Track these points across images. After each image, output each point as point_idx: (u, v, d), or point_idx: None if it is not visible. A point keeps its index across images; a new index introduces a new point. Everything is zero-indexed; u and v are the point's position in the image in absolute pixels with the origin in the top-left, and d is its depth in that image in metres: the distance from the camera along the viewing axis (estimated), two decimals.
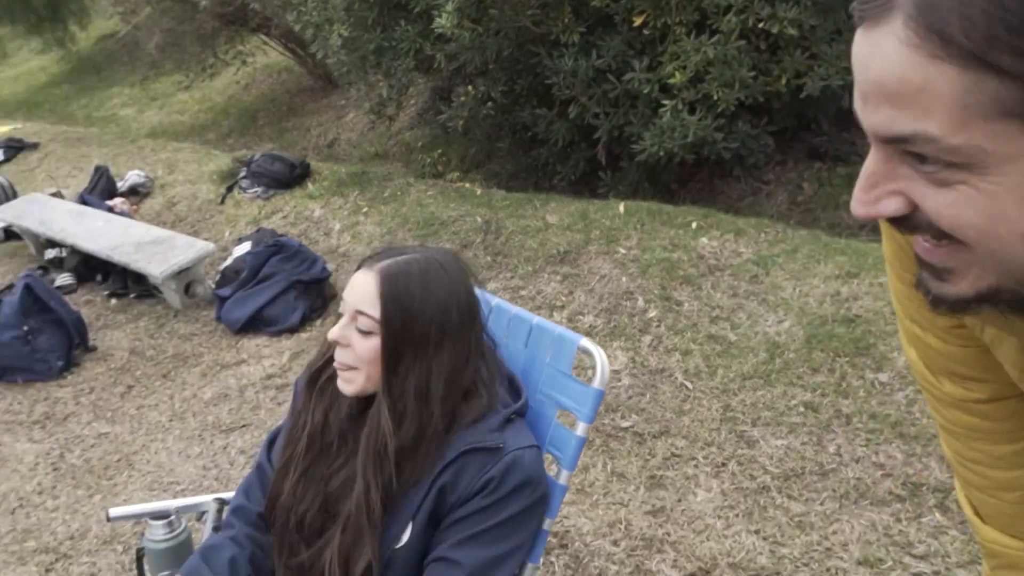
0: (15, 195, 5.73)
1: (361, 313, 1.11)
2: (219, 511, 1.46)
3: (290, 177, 5.00)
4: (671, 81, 3.75)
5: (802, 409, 2.53)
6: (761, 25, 3.61)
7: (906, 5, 0.46)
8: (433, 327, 1.11)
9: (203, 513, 1.46)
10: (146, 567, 1.71)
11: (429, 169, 5.06)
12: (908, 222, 0.53)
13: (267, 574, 1.25)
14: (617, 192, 4.73)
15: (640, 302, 3.18)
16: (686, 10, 3.76)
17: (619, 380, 2.80)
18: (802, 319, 2.91)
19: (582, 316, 3.19)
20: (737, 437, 2.47)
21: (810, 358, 2.72)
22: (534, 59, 4.12)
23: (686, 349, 2.89)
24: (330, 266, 3.92)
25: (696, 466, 2.38)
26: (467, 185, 4.74)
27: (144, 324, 3.75)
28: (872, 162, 0.52)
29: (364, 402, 1.18)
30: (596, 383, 1.24)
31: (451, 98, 4.61)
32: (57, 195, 5.36)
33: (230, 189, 5.20)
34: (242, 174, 5.21)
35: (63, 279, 4.26)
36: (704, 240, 3.48)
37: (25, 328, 3.14)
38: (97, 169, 5.59)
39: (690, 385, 2.72)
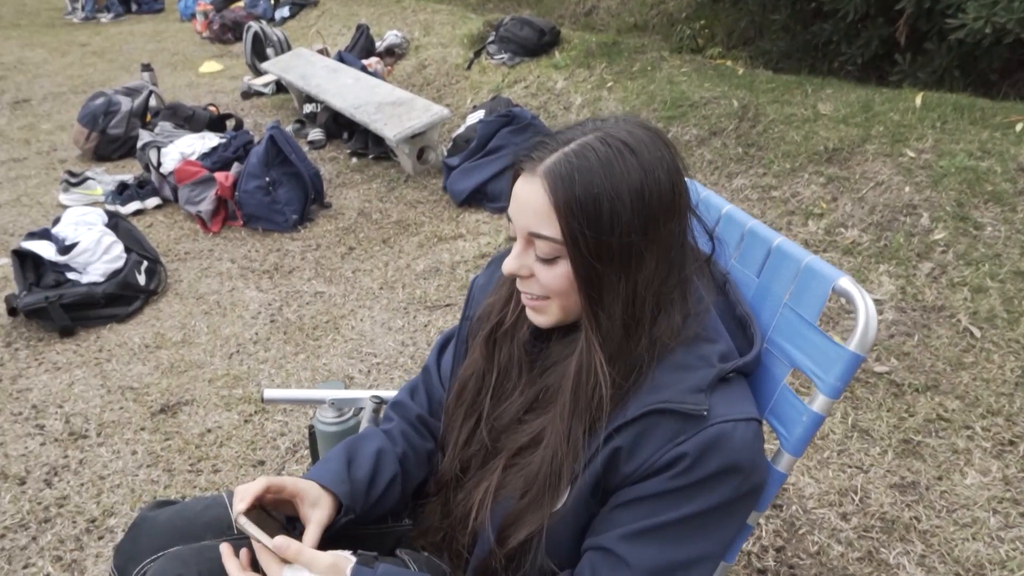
0: (289, 49, 6.04)
1: (536, 236, 0.81)
2: (376, 410, 1.31)
3: (537, 44, 4.71)
4: None
5: None
6: None
7: None
8: (634, 231, 0.79)
9: (360, 409, 1.32)
10: (319, 446, 1.64)
11: (688, 42, 4.50)
12: None
13: (416, 479, 1.07)
14: (915, 80, 3.87)
15: (924, 219, 2.55)
16: None
17: (881, 314, 2.28)
18: None
19: (844, 229, 2.64)
20: None
21: None
22: None
23: (979, 286, 2.27)
24: None
25: (971, 438, 1.86)
26: (728, 63, 4.15)
27: (376, 186, 3.77)
28: None
29: (547, 331, 0.92)
30: (854, 344, 0.85)
31: None
32: (323, 52, 5.55)
33: (477, 54, 5.04)
34: (490, 38, 5.01)
35: (315, 134, 4.42)
36: None
37: (267, 179, 3.25)
38: (359, 27, 5.69)
39: (978, 332, 2.14)
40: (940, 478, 1.78)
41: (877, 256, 2.50)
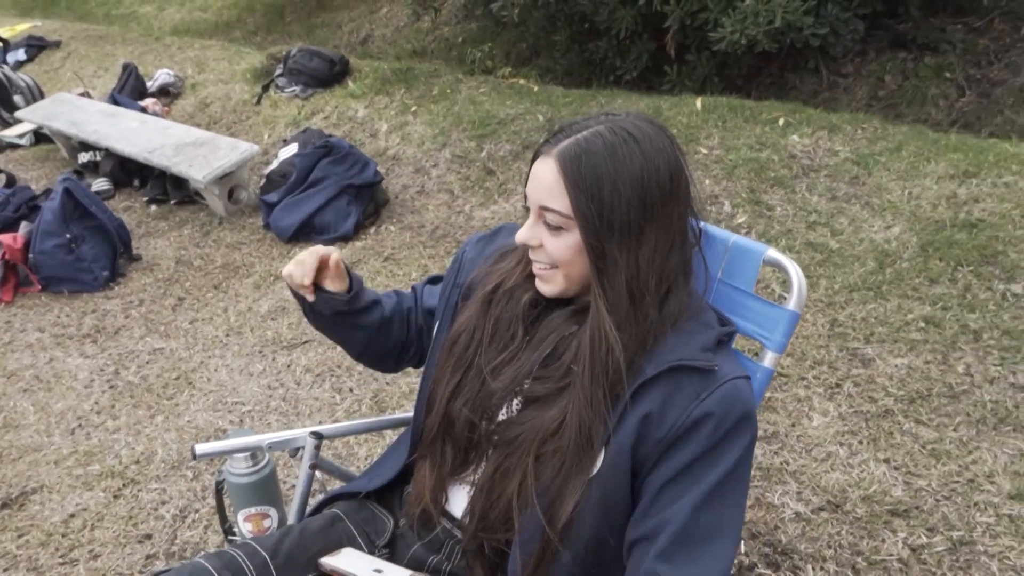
0: (41, 96, 5.47)
1: (547, 209, 0.92)
2: (316, 447, 1.27)
3: (329, 74, 4.67)
4: None
5: (922, 324, 2.28)
6: None
7: None
8: (633, 210, 0.90)
9: (298, 449, 1.27)
10: (227, 501, 1.55)
11: (478, 65, 4.71)
12: None
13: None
14: (683, 88, 4.36)
15: (727, 207, 2.90)
16: None
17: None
18: (914, 224, 2.63)
19: None
20: (850, 355, 2.24)
21: (927, 268, 2.46)
22: None
23: None
24: (380, 169, 3.65)
25: (807, 387, 2.16)
26: (522, 81, 4.39)
27: (189, 232, 3.54)
28: None
29: (546, 301, 1.01)
30: (792, 304, 1.00)
31: None
32: (85, 95, 5.09)
33: (266, 88, 4.90)
34: (278, 72, 4.89)
35: (99, 184, 4.05)
36: (795, 138, 3.16)
37: (68, 236, 2.94)
38: (125, 67, 5.29)
39: None
40: (793, 425, 2.04)
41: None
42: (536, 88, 4.18)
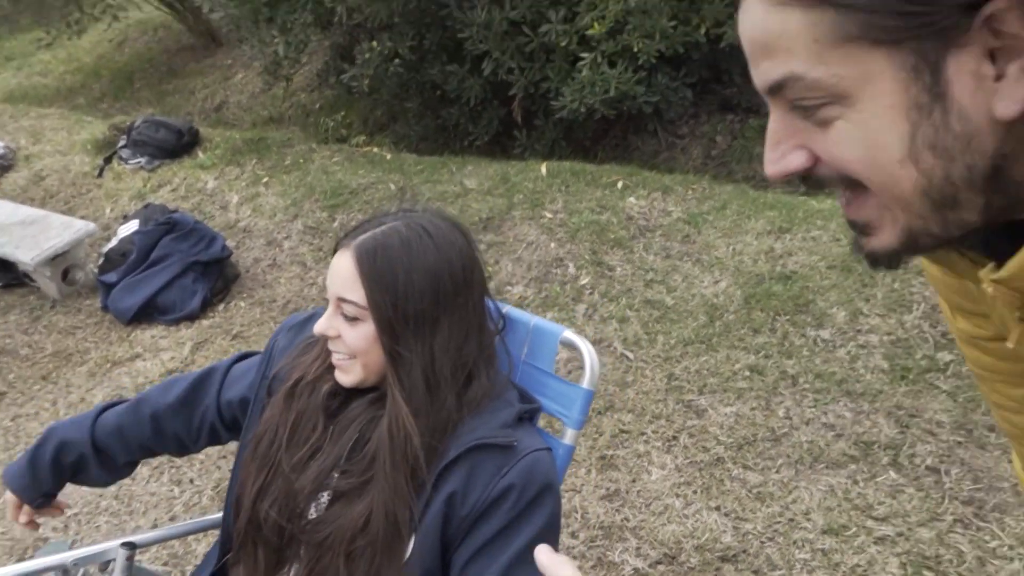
0: None
1: (344, 300, 0.98)
2: (129, 558, 1.22)
3: (177, 145, 4.55)
4: (590, 32, 3.58)
5: (747, 373, 2.45)
6: None
7: None
8: (427, 302, 0.96)
9: (109, 563, 1.21)
10: None
11: (332, 133, 4.73)
12: (818, 178, 0.56)
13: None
14: (533, 151, 4.55)
15: (571, 268, 3.03)
16: None
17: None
18: (738, 278, 2.84)
19: (511, 287, 3.02)
20: (685, 407, 2.37)
21: (750, 319, 2.65)
22: (443, 11, 3.86)
23: (623, 316, 2.77)
24: (229, 243, 3.58)
25: (647, 441, 2.27)
26: (375, 150, 4.45)
27: (16, 318, 3.32)
28: (772, 122, 0.56)
29: (346, 391, 1.04)
30: (586, 382, 1.07)
31: (354, 56, 4.28)
32: None
33: (108, 160, 4.70)
34: (121, 143, 4.71)
35: None
36: (632, 200, 3.35)
37: None
38: None
39: (631, 355, 2.61)
40: (634, 481, 2.13)
41: (542, 306, 2.90)
42: (389, 156, 4.24)
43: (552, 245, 3.15)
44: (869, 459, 2.12)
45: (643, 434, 2.30)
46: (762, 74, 0.54)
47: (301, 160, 4.28)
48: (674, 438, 2.27)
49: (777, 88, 0.53)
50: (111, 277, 3.21)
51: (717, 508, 2.02)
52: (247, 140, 4.59)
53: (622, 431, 2.32)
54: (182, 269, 3.17)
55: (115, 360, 2.90)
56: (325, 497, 1.00)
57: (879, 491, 2.02)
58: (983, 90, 0.50)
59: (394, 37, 4.06)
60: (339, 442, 1.00)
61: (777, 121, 0.56)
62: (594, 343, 2.68)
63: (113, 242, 3.39)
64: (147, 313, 3.15)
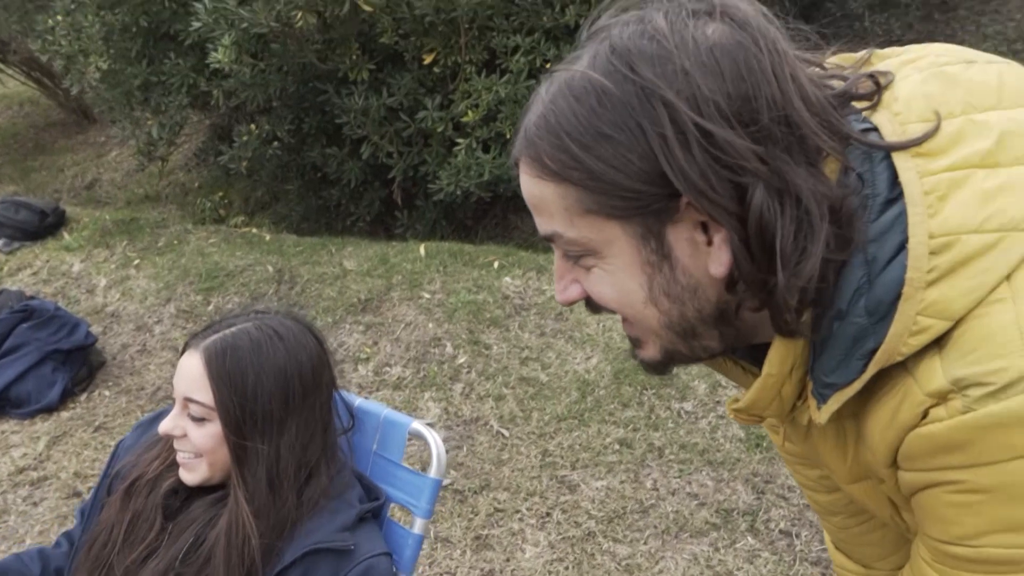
0: None
1: (191, 400, 0.99)
2: None
3: (40, 226, 4.36)
4: (464, 120, 3.74)
5: (617, 447, 2.55)
6: (548, 65, 3.70)
7: (523, 140, 0.63)
8: (276, 403, 0.99)
9: None
10: None
11: (210, 214, 4.66)
12: (593, 305, 0.68)
13: None
14: (415, 231, 4.63)
15: (449, 348, 3.08)
16: (475, 49, 3.77)
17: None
18: (608, 354, 2.96)
19: (389, 368, 3.04)
20: (559, 483, 2.44)
21: (619, 393, 2.77)
22: (322, 96, 3.93)
23: (499, 394, 2.83)
24: (95, 329, 3.43)
25: (521, 519, 2.31)
26: (254, 230, 4.41)
27: None
28: (555, 261, 0.68)
29: (187, 490, 1.04)
30: (433, 472, 1.11)
31: (232, 137, 4.27)
32: None
33: None
34: None
35: None
36: (507, 279, 3.46)
37: None
38: None
39: (506, 432, 2.66)
40: (508, 560, 2.16)
41: (420, 385, 2.93)
42: (268, 237, 4.22)
43: (430, 325, 3.20)
44: (729, 526, 2.23)
45: (518, 512, 2.33)
46: (538, 226, 0.65)
47: (176, 241, 4.19)
48: (547, 514, 2.32)
49: (548, 239, 0.65)
50: None
51: None
52: (117, 221, 4.45)
53: (497, 510, 2.35)
54: (40, 358, 3.01)
55: None
56: None
57: (738, 557, 2.13)
58: (699, 253, 0.61)
59: (272, 120, 4.10)
60: (176, 543, 1.00)
61: (558, 261, 0.68)
62: (471, 422, 2.73)
63: None
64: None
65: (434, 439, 1.13)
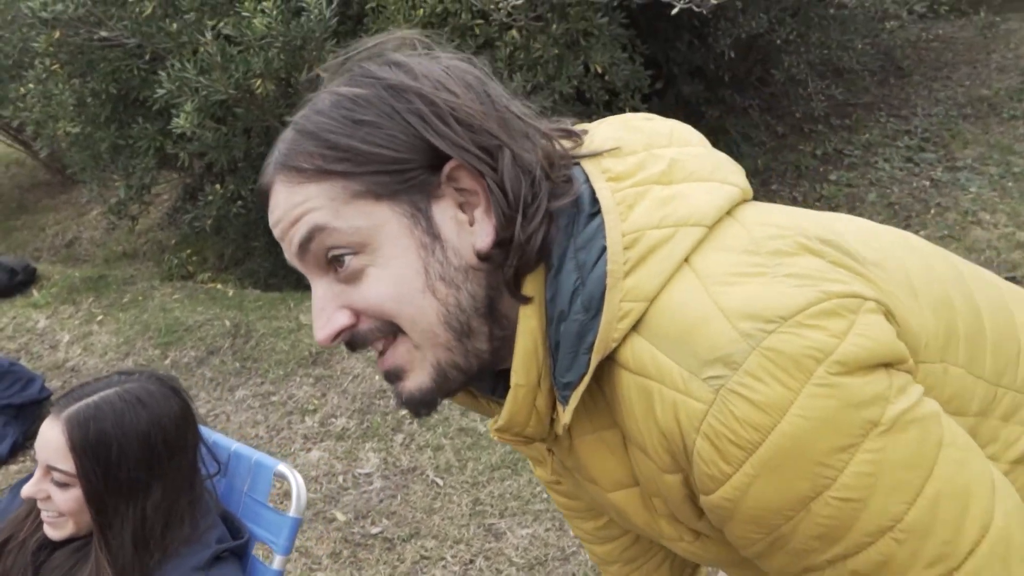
0: None
1: (53, 468, 1.03)
2: None
3: (9, 284, 4.48)
4: None
5: (546, 495, 2.62)
6: None
7: (275, 163, 0.67)
8: (140, 470, 1.04)
9: None
10: None
11: (177, 271, 4.78)
12: (361, 335, 0.68)
13: None
14: None
15: (392, 400, 3.17)
16: None
17: (371, 483, 2.75)
18: None
19: (335, 419, 3.12)
20: (485, 531, 2.50)
21: None
22: None
23: (438, 444, 2.91)
24: (53, 383, 3.51)
25: (444, 567, 2.36)
26: (218, 286, 4.53)
27: None
28: (314, 295, 0.68)
29: (53, 544, 1.10)
30: (292, 511, 1.20)
31: (199, 197, 4.42)
32: None
33: None
34: None
35: None
36: None
37: None
38: None
39: (441, 481, 2.73)
40: None
41: (363, 436, 3.01)
42: (231, 293, 4.33)
43: (377, 378, 3.29)
44: None
45: (443, 559, 2.39)
46: (292, 243, 0.66)
47: (140, 297, 4.30)
48: (471, 561, 2.38)
49: (306, 243, 0.65)
50: None
51: None
52: (85, 278, 4.57)
53: (423, 557, 2.41)
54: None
55: None
56: None
57: None
58: (464, 231, 0.66)
59: (237, 180, 4.25)
60: None
61: (318, 290, 0.67)
62: (408, 471, 2.80)
63: None
64: None
65: (295, 480, 1.22)
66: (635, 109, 3.95)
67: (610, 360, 0.65)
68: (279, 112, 3.95)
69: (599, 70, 3.74)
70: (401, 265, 0.64)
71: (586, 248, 0.64)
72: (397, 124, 0.64)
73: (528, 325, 0.66)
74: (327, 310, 0.67)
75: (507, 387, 0.70)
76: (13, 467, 3.03)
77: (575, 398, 0.66)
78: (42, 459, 1.05)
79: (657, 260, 0.63)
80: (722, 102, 4.95)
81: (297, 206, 0.64)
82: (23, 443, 3.14)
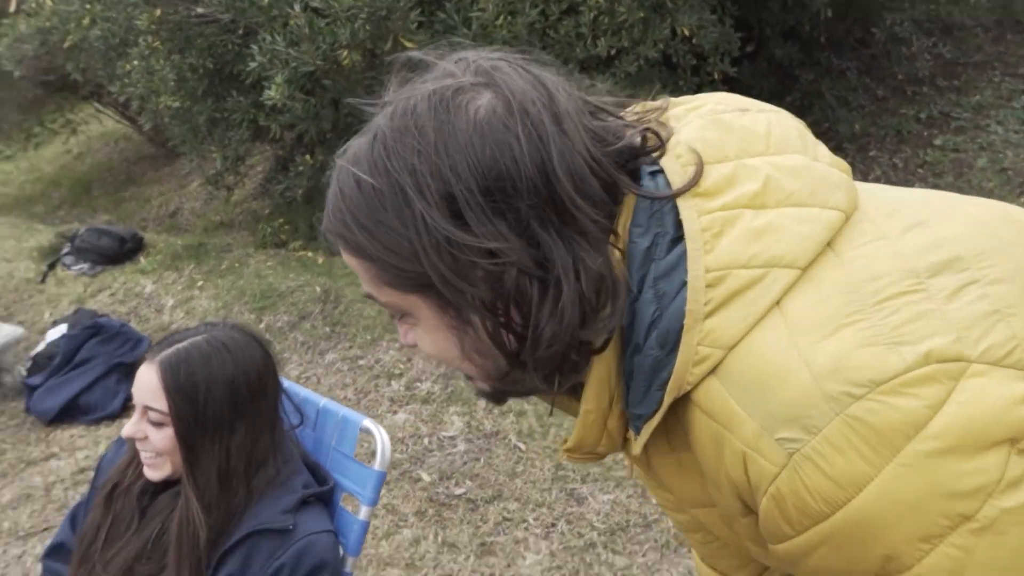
0: None
1: (149, 408, 1.12)
2: None
3: (119, 252, 4.75)
4: None
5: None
6: None
7: (329, 223, 0.69)
8: (225, 409, 1.11)
9: None
10: None
11: (271, 239, 4.96)
12: None
13: None
14: None
15: None
16: None
17: (455, 446, 2.81)
18: None
19: (419, 383, 3.19)
20: (567, 495, 2.52)
21: None
22: None
23: (520, 410, 2.93)
24: None
25: (527, 528, 2.40)
26: (309, 254, 4.67)
27: None
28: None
29: (156, 486, 1.17)
30: (377, 464, 1.24)
31: (290, 168, 4.56)
32: None
33: (52, 266, 4.87)
34: (66, 250, 4.90)
35: None
36: None
37: None
38: None
39: (523, 446, 2.76)
40: (508, 565, 2.25)
41: (447, 400, 3.07)
42: (321, 260, 4.46)
43: None
44: None
45: (524, 521, 2.43)
46: (362, 286, 0.71)
47: (237, 264, 4.49)
48: (553, 524, 2.41)
49: (368, 297, 0.71)
50: (35, 380, 3.33)
51: None
52: (187, 246, 4.80)
53: (505, 519, 2.45)
54: (106, 370, 3.30)
55: (29, 460, 2.99)
56: None
57: None
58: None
59: (326, 151, 4.35)
60: (144, 534, 1.15)
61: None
62: (491, 435, 2.84)
63: (40, 346, 3.52)
64: (69, 414, 3.25)
65: (380, 435, 1.25)
66: (724, 74, 3.81)
67: (685, 396, 0.63)
68: (365, 83, 4.02)
69: (686, 33, 3.63)
70: (439, 338, 0.68)
71: (667, 278, 0.61)
72: (406, 234, 0.62)
73: (602, 355, 0.65)
74: (402, 327, 0.73)
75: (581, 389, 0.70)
76: (125, 421, 3.23)
77: (647, 431, 0.65)
78: (139, 400, 1.14)
79: (742, 305, 0.59)
80: (817, 64, 4.73)
81: (353, 267, 0.69)
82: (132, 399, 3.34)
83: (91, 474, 2.91)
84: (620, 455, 0.93)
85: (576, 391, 0.73)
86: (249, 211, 6.64)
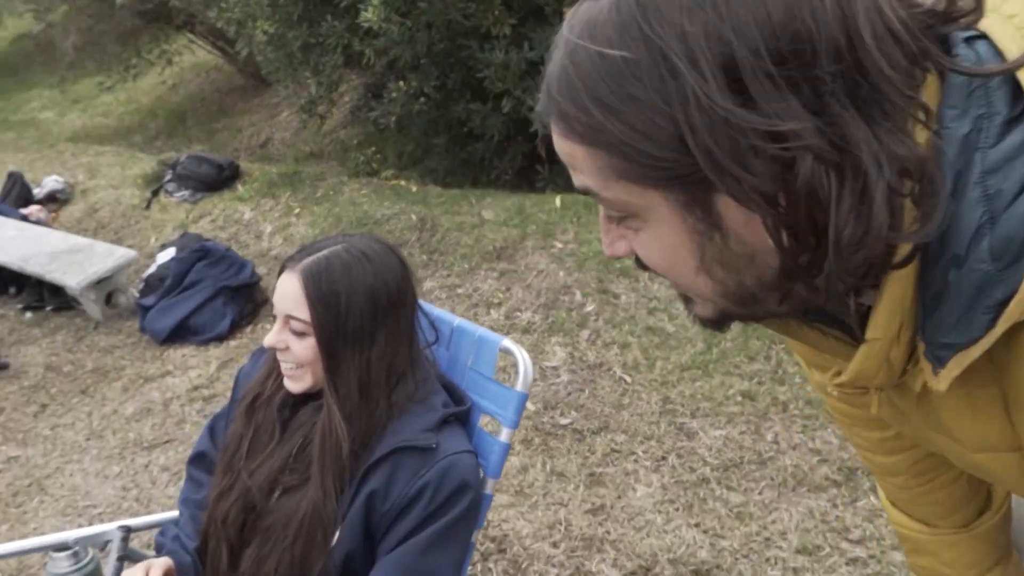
0: None
1: (291, 317, 1.09)
2: (124, 539, 1.36)
3: (218, 179, 4.82)
4: None
5: (740, 398, 2.52)
6: None
7: (546, 107, 0.56)
8: (365, 318, 1.08)
9: (107, 543, 1.36)
10: None
11: (363, 167, 4.95)
12: (642, 263, 0.61)
13: None
14: (555, 185, 4.68)
15: (578, 296, 3.14)
16: None
17: (558, 376, 2.76)
18: None
19: (520, 313, 3.14)
20: (677, 429, 2.45)
21: (747, 347, 2.72)
22: (465, 52, 4.05)
23: (624, 342, 2.86)
24: (260, 270, 3.78)
25: (636, 461, 2.35)
26: (402, 183, 4.64)
27: (62, 338, 3.56)
28: (601, 217, 0.61)
29: (297, 399, 1.16)
30: (519, 386, 1.18)
31: (382, 95, 4.50)
32: None
33: (155, 193, 5.00)
34: (168, 177, 5.01)
35: None
36: None
37: None
38: (11, 176, 5.32)
39: (629, 379, 2.69)
40: (619, 497, 2.21)
41: (548, 331, 3.01)
42: (415, 189, 4.43)
43: (561, 273, 3.27)
44: (851, 484, 2.16)
45: (633, 454, 2.38)
46: (573, 180, 0.58)
47: (331, 192, 4.50)
48: (663, 458, 2.35)
49: (585, 193, 0.58)
50: (149, 300, 3.44)
51: (696, 525, 2.08)
52: (282, 174, 4.83)
53: (613, 450, 2.40)
54: (213, 293, 3.37)
55: (147, 377, 3.11)
56: (278, 493, 1.13)
57: (857, 515, 2.06)
58: (755, 221, 0.51)
59: (419, 77, 4.27)
60: (287, 445, 1.13)
61: (601, 215, 0.61)
62: (595, 367, 2.78)
63: (151, 268, 3.63)
64: (180, 334, 3.35)
65: (522, 356, 1.20)
66: None
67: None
68: (460, 5, 3.89)
69: None
70: (673, 244, 0.55)
71: (1003, 171, 0.48)
72: (665, 112, 0.49)
73: (899, 271, 0.53)
74: (610, 234, 0.60)
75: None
76: (232, 343, 3.32)
77: (958, 363, 0.53)
78: (281, 310, 1.10)
79: None
80: None
81: (568, 156, 0.56)
82: (239, 321, 3.42)
83: (204, 391, 3.01)
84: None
85: (812, 317, 0.63)
86: (338, 140, 6.66)
